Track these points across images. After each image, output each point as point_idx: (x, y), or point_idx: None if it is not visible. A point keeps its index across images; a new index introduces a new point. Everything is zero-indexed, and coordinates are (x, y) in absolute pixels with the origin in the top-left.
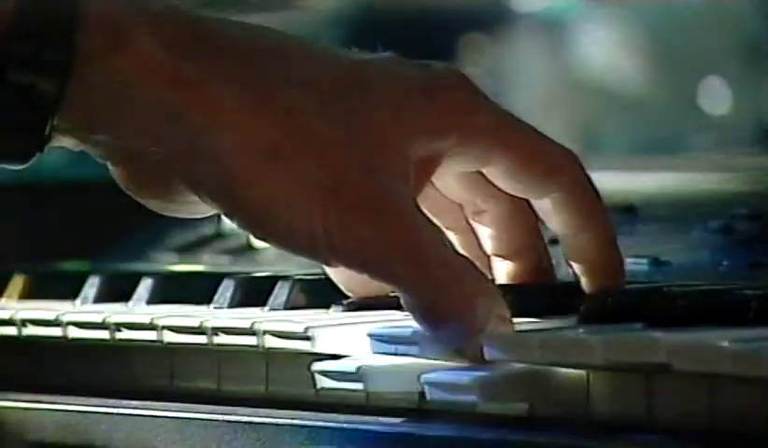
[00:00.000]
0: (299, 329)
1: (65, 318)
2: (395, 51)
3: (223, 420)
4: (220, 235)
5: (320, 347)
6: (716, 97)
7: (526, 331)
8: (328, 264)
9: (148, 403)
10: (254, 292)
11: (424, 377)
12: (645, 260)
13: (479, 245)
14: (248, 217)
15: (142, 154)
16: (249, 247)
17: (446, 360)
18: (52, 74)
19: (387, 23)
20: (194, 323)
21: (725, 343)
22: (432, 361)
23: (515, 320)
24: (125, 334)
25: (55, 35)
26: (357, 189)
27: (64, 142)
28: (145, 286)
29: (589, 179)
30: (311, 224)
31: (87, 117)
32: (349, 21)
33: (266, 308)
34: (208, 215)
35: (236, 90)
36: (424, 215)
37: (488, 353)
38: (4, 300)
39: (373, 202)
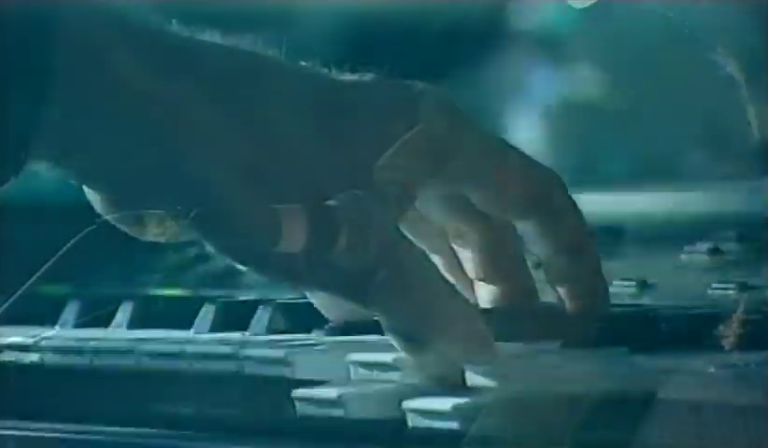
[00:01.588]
0: (279, 354)
1: (44, 343)
2: (389, 67)
3: (203, 447)
4: (202, 258)
5: (300, 373)
6: (705, 118)
7: (509, 356)
8: (306, 290)
9: (126, 429)
10: (235, 316)
11: (406, 404)
12: (632, 283)
13: (462, 268)
14: (226, 239)
15: (118, 177)
16: (232, 270)
17: (428, 387)
18: (26, 95)
19: (383, 39)
20: (174, 349)
21: (711, 369)
22: (413, 387)
23: (498, 344)
24: (104, 360)
25: (30, 56)
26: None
27: (40, 165)
28: (125, 310)
29: (572, 201)
30: (290, 248)
31: (61, 139)
32: (344, 38)
33: (248, 332)
34: (189, 238)
35: (216, 110)
36: (406, 238)
37: (470, 379)
38: None
39: (353, 225)
